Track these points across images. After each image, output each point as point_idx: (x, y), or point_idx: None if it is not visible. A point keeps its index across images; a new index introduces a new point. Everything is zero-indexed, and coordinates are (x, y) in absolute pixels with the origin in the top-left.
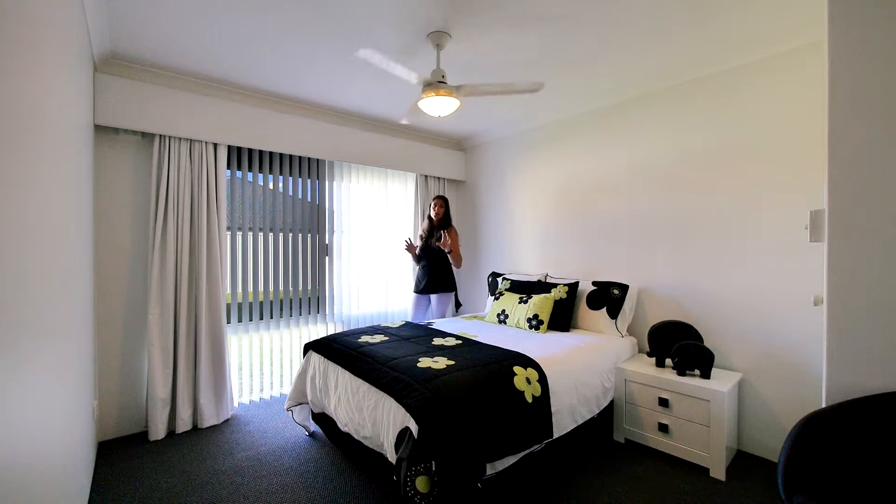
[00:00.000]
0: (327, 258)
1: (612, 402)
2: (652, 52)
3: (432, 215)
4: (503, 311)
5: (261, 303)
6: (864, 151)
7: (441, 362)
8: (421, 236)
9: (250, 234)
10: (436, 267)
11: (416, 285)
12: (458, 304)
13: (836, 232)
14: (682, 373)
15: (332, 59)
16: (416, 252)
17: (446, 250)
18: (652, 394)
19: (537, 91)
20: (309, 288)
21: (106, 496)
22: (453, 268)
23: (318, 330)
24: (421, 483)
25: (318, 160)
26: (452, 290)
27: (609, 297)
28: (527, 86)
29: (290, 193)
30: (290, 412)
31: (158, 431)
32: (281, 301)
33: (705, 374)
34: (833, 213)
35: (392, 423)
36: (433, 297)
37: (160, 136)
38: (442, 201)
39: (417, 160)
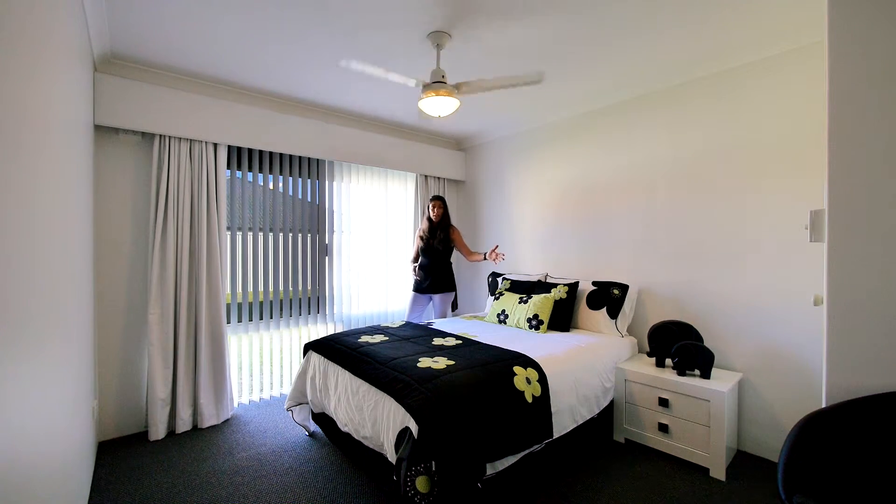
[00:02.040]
0: (327, 258)
1: (612, 402)
2: (652, 53)
3: (432, 216)
4: (503, 311)
5: (261, 303)
6: (864, 151)
7: (441, 362)
8: (420, 237)
9: (250, 234)
10: (438, 267)
11: (418, 284)
12: (454, 305)
13: (836, 232)
14: (682, 373)
15: (332, 59)
16: (417, 256)
17: (499, 260)
18: (652, 394)
19: (538, 83)
20: (309, 288)
21: (106, 496)
22: (453, 268)
23: (318, 330)
24: (421, 483)
25: (318, 160)
26: (454, 289)
27: (609, 297)
28: (527, 78)
29: (290, 193)
30: (290, 412)
31: (158, 431)
32: (281, 301)
33: (705, 374)
34: (833, 213)
35: (392, 423)
36: (436, 297)
37: (160, 136)
38: (440, 202)
39: (417, 160)
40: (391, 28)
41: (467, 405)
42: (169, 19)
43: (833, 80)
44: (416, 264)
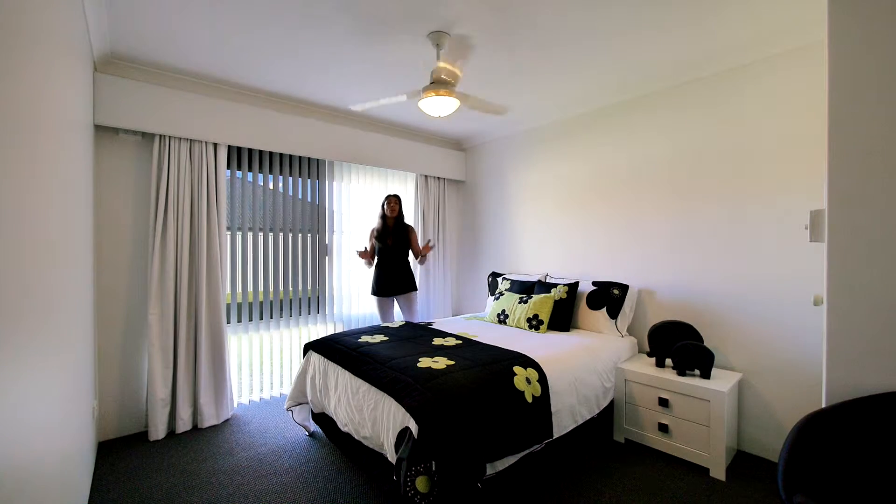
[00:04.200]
0: (327, 258)
1: (612, 402)
2: (651, 53)
3: (388, 214)
4: (503, 311)
5: (261, 303)
6: (864, 151)
7: (441, 362)
8: (375, 237)
9: (250, 234)
10: (399, 267)
11: (377, 287)
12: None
13: (836, 232)
14: (682, 373)
15: (332, 59)
16: (372, 255)
17: (426, 254)
18: (652, 394)
19: (502, 114)
20: (309, 288)
21: (106, 496)
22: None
23: (318, 330)
24: (421, 483)
25: (318, 160)
26: (416, 288)
27: (609, 297)
28: (495, 108)
29: (290, 193)
30: (290, 412)
31: (158, 431)
32: (281, 301)
33: (705, 374)
34: (833, 213)
35: (392, 423)
36: (399, 298)
37: (160, 136)
38: (397, 199)
39: (417, 160)
40: (391, 28)
41: (467, 405)
42: (169, 19)
43: (833, 80)
44: (370, 261)
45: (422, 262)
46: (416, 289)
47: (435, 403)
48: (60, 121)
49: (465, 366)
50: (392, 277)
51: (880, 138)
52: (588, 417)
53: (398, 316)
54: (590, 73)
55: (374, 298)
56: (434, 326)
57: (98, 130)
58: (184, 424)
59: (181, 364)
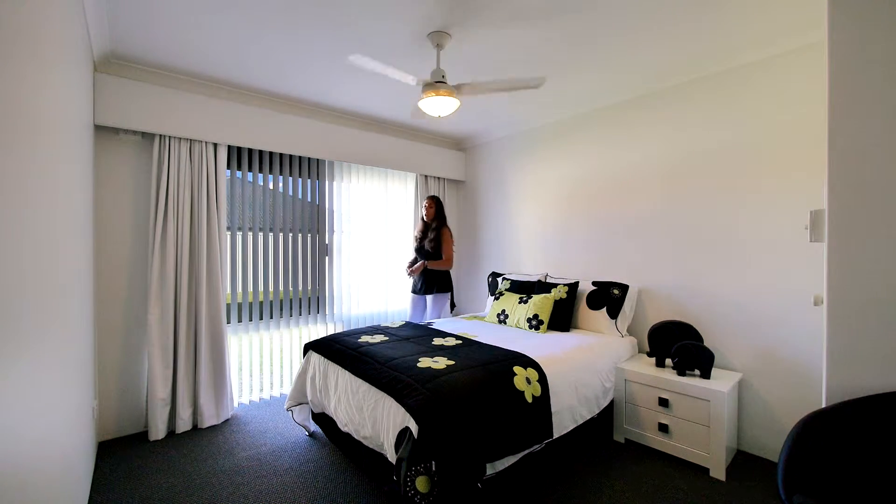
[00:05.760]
0: (327, 258)
1: (612, 402)
2: (651, 53)
3: (424, 216)
4: (503, 311)
5: (261, 303)
6: (864, 151)
7: (441, 362)
8: (416, 237)
9: (250, 234)
10: (430, 268)
11: (414, 286)
12: (452, 305)
13: (836, 232)
14: (682, 373)
15: (332, 60)
16: (414, 262)
17: (419, 270)
18: (652, 394)
19: (539, 86)
20: (309, 288)
21: (106, 496)
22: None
23: (318, 330)
24: (421, 483)
25: (318, 160)
26: (448, 290)
27: (609, 297)
28: (528, 82)
29: (290, 193)
30: (290, 412)
31: (158, 431)
32: (281, 301)
33: (705, 374)
34: (833, 213)
35: (392, 423)
36: (429, 297)
37: (160, 136)
38: (433, 201)
39: (417, 160)
40: (391, 28)
41: (467, 405)
42: (169, 19)
43: (833, 80)
44: (410, 267)
45: (409, 274)
46: (448, 290)
47: (435, 403)
48: (60, 121)
49: (465, 366)
50: (427, 278)
51: (880, 138)
52: (588, 417)
53: (427, 316)
54: (589, 74)
55: (410, 296)
56: (434, 326)
57: (98, 130)
58: (184, 424)
59: (181, 364)
